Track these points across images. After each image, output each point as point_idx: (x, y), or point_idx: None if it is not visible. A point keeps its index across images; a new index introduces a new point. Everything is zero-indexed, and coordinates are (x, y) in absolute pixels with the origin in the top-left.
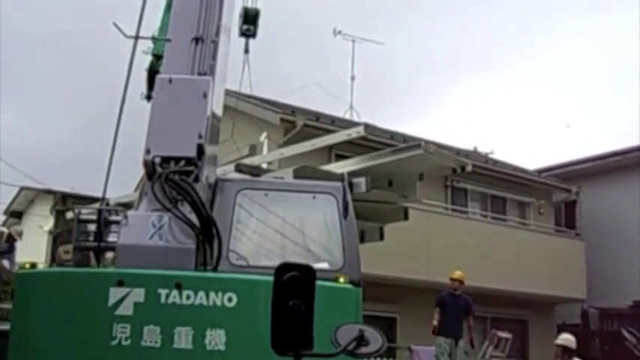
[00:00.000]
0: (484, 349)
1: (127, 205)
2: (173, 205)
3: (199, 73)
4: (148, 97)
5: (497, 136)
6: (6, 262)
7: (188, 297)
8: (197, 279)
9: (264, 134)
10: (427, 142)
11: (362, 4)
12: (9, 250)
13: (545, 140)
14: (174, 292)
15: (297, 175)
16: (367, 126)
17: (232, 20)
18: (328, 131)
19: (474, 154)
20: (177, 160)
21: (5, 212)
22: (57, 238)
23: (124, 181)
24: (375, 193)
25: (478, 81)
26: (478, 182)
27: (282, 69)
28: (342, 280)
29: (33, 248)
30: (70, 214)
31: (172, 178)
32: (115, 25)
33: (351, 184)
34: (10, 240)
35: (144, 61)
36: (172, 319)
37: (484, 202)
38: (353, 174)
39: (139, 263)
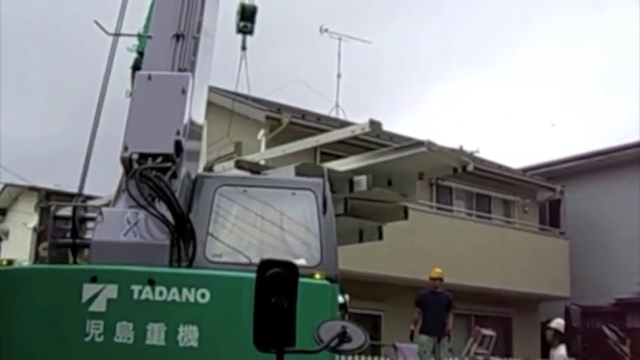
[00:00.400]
0: (468, 346)
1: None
2: (147, 202)
3: (180, 70)
4: None
5: (483, 135)
6: None
7: (161, 293)
8: (170, 275)
9: (262, 132)
10: (430, 140)
11: (349, 4)
12: None
13: (530, 139)
14: (147, 289)
15: (298, 172)
16: (373, 122)
17: (217, 18)
18: (314, 129)
19: (459, 153)
20: (154, 156)
21: None
22: (41, 236)
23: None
24: (376, 191)
25: (463, 80)
26: (463, 181)
27: (267, 66)
28: (318, 276)
29: (17, 246)
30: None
31: (147, 175)
32: (97, 22)
33: (351, 182)
34: None
35: (129, 58)
36: (145, 315)
37: (469, 200)
38: (353, 172)
39: (114, 259)
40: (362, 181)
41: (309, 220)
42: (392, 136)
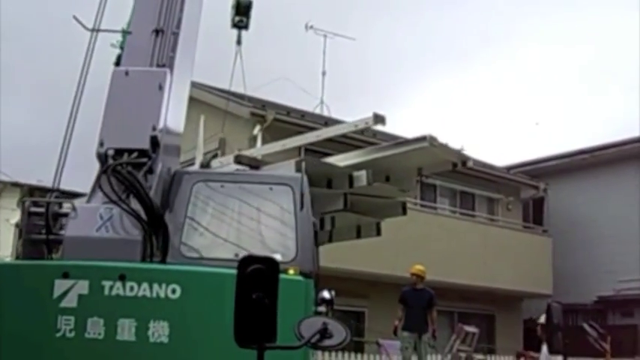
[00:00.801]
0: (451, 343)
1: None
2: (119, 197)
3: (158, 65)
4: None
5: (467, 133)
6: None
7: (132, 289)
8: (141, 271)
9: (258, 127)
10: (432, 135)
11: (334, 2)
12: None
13: (514, 138)
14: (118, 284)
15: (298, 167)
16: (377, 116)
17: (201, 14)
18: (298, 126)
19: None
20: (130, 152)
21: None
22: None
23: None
24: (376, 186)
25: (448, 78)
26: (447, 178)
27: (252, 63)
28: (291, 272)
29: (2, 242)
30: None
31: (119, 171)
32: (75, 17)
33: (351, 178)
34: None
35: (113, 53)
36: (116, 310)
37: (453, 198)
38: (353, 167)
39: (86, 255)
40: (362, 176)
41: (286, 215)
42: (375, 134)
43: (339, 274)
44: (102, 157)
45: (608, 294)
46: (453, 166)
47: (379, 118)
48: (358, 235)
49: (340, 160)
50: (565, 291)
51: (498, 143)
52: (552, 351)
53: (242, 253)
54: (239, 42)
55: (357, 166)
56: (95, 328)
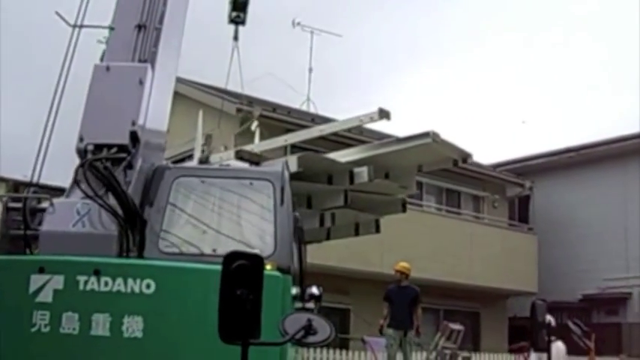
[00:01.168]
0: (436, 340)
1: None
2: (96, 193)
3: (140, 61)
4: None
5: (453, 130)
6: None
7: (106, 284)
8: (115, 266)
9: (256, 123)
10: (435, 131)
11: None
12: None
13: (501, 135)
14: (93, 279)
15: (301, 162)
16: (382, 111)
17: (187, 10)
18: (285, 122)
19: None
20: (109, 147)
21: None
22: None
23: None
24: (376, 183)
25: (434, 75)
26: (433, 176)
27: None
28: (268, 267)
29: None
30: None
31: (95, 166)
32: (58, 13)
33: (352, 174)
34: None
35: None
36: (91, 305)
37: (439, 195)
38: (354, 163)
39: (62, 250)
40: (363, 172)
41: (266, 210)
42: (362, 131)
43: (324, 271)
44: (81, 153)
45: (592, 292)
46: (453, 163)
47: (384, 113)
48: (357, 233)
49: (341, 156)
50: (550, 289)
51: (484, 141)
52: (536, 349)
53: (220, 249)
54: (236, 38)
55: (358, 163)
56: (70, 323)
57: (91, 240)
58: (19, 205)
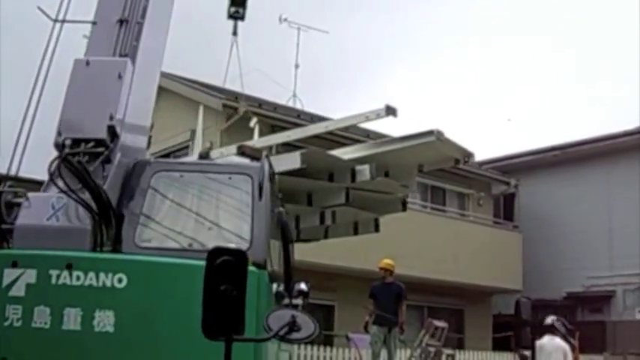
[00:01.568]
0: (420, 337)
1: None
2: (68, 187)
3: (121, 55)
4: None
5: (439, 127)
6: None
7: (78, 278)
8: (87, 260)
9: (255, 119)
10: (439, 130)
11: None
12: None
13: (486, 133)
14: (65, 273)
15: (304, 159)
16: (389, 108)
17: (173, 5)
18: (270, 118)
19: None
20: (87, 141)
21: None
22: None
23: None
24: (379, 181)
25: (420, 73)
26: (419, 173)
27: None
28: None
29: None
30: None
31: (69, 160)
32: (40, 8)
33: (353, 172)
34: None
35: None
36: (62, 300)
37: (424, 192)
38: (356, 161)
39: (36, 244)
40: (365, 170)
41: (244, 204)
42: (348, 127)
43: (308, 268)
44: (59, 147)
45: (577, 290)
46: (455, 163)
47: (391, 110)
48: (356, 232)
49: (342, 153)
50: (534, 286)
51: (470, 139)
52: (520, 346)
53: (196, 244)
54: (235, 33)
55: (359, 160)
56: (42, 317)
57: (64, 234)
58: None
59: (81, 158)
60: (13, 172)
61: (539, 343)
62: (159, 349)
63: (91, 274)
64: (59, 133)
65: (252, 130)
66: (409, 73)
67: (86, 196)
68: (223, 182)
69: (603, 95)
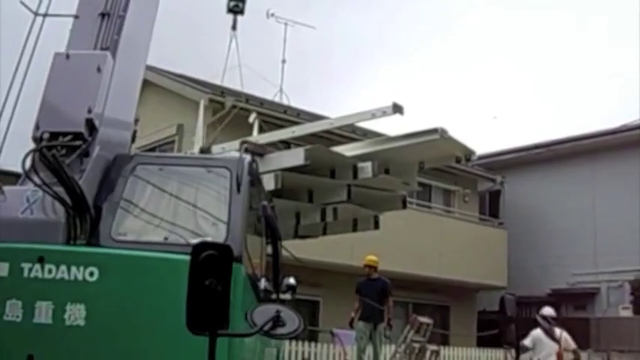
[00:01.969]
0: (405, 333)
1: None
2: (42, 180)
3: (102, 49)
4: None
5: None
6: None
7: (50, 271)
8: (60, 253)
9: (254, 115)
10: (443, 128)
11: None
12: None
13: (472, 130)
14: (37, 266)
15: (307, 155)
16: (396, 105)
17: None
18: (257, 113)
19: None
20: (65, 135)
21: None
22: None
23: None
24: (380, 178)
25: (405, 69)
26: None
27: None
28: None
29: None
30: None
31: (44, 153)
32: (22, 2)
33: (355, 169)
34: None
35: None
36: (34, 293)
37: None
38: (357, 158)
39: (10, 237)
40: (367, 167)
41: (222, 198)
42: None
43: (293, 263)
44: (37, 140)
45: (561, 287)
46: (456, 160)
47: (398, 108)
48: (355, 228)
49: (345, 150)
50: (519, 283)
51: (456, 136)
52: (505, 342)
53: (171, 237)
54: (234, 27)
55: (361, 157)
56: (14, 310)
57: (37, 227)
58: None
59: (56, 151)
60: None
61: (535, 333)
62: (131, 343)
63: (63, 268)
64: (37, 127)
65: (237, 125)
66: (394, 69)
67: (60, 189)
68: (202, 176)
69: (588, 94)
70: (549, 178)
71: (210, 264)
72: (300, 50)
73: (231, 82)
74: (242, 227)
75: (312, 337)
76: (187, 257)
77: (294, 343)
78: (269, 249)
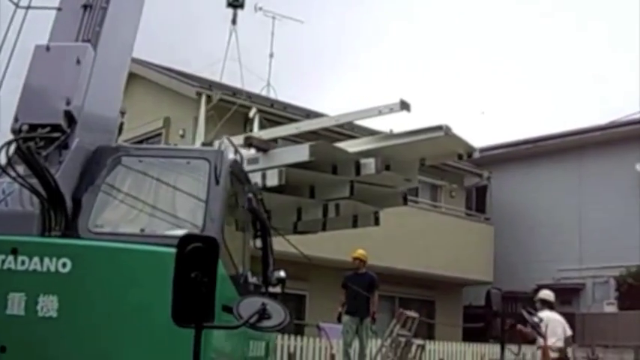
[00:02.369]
0: (391, 327)
1: None
2: (16, 172)
3: (84, 41)
4: None
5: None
6: None
7: (23, 262)
8: (32, 244)
9: (254, 110)
10: (447, 125)
11: None
12: None
13: (460, 125)
14: (10, 258)
15: (312, 150)
16: (403, 102)
17: None
18: (244, 107)
19: None
20: (43, 127)
21: None
22: None
23: None
24: (382, 175)
25: (394, 65)
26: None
27: (200, 43)
28: None
29: None
30: None
31: (18, 145)
32: None
33: (358, 165)
34: None
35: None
36: (7, 284)
37: None
38: (361, 154)
39: None
40: (370, 164)
41: (200, 189)
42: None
43: (280, 257)
44: (16, 133)
45: (547, 282)
46: (458, 158)
47: (405, 105)
48: (355, 224)
49: (348, 146)
50: (505, 279)
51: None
52: (491, 337)
53: (148, 229)
54: (234, 21)
55: (364, 154)
56: None
57: (12, 219)
58: None
59: (34, 144)
60: None
61: (543, 315)
62: (103, 335)
63: (36, 259)
64: (16, 119)
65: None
66: (381, 64)
67: (36, 181)
68: (182, 167)
69: (576, 90)
70: (536, 173)
71: (196, 256)
72: (289, 44)
73: (224, 77)
74: (220, 219)
75: (298, 331)
76: (160, 249)
77: (280, 337)
78: (258, 243)
